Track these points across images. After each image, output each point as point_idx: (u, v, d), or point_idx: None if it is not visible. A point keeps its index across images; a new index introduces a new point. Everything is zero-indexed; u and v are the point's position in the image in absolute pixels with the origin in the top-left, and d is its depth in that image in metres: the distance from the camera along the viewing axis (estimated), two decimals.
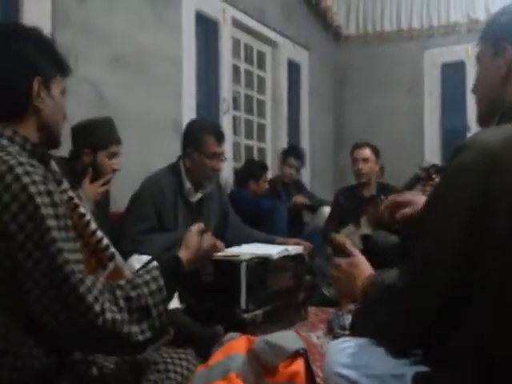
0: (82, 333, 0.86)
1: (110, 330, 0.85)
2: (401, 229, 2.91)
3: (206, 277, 1.91)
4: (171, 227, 2.18)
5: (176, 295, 1.72)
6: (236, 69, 3.90)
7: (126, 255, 1.69)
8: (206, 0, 3.40)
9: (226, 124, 3.50)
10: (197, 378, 1.07)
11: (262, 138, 4.31)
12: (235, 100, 3.91)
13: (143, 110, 2.83)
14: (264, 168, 3.54)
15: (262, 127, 4.30)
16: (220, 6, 3.56)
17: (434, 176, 2.79)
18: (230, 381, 1.06)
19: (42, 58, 0.98)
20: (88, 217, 1.01)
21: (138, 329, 0.89)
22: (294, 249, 2.25)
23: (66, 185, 0.99)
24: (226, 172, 3.52)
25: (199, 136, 2.26)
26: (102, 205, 2.09)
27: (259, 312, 1.93)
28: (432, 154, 4.65)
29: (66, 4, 2.40)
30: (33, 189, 0.83)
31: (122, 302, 0.88)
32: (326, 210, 3.43)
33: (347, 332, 1.96)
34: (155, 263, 1.04)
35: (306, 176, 4.34)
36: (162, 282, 0.96)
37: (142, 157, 2.77)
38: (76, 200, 1.00)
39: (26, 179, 0.83)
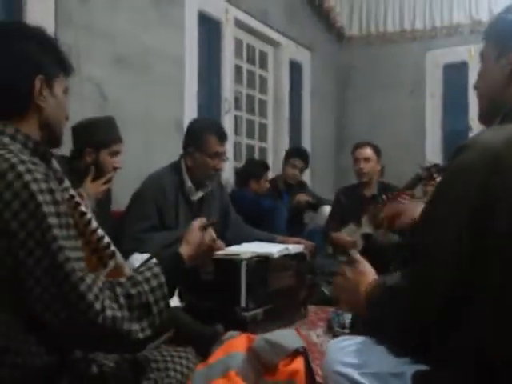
0: (83, 331, 0.86)
1: (111, 327, 0.85)
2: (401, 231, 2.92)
3: (206, 275, 1.91)
4: (172, 226, 2.18)
5: (176, 293, 1.73)
6: (238, 69, 3.91)
7: (126, 254, 1.69)
8: (208, 0, 3.41)
9: (227, 124, 3.50)
10: (197, 377, 1.07)
11: (263, 137, 4.31)
12: (237, 100, 3.91)
13: (145, 109, 2.84)
14: (265, 167, 3.54)
15: (263, 127, 4.31)
16: (223, 6, 3.56)
17: (435, 175, 2.79)
18: (230, 379, 1.07)
19: (45, 57, 0.99)
20: (89, 215, 1.01)
21: (139, 326, 0.89)
22: (294, 247, 2.25)
23: (67, 183, 1.00)
24: (227, 171, 3.52)
25: (201, 135, 2.26)
26: (103, 203, 2.10)
27: (259, 311, 1.93)
28: (434, 154, 4.65)
29: (69, 4, 2.41)
30: (34, 187, 0.84)
31: (122, 300, 0.88)
32: (327, 209, 3.43)
33: (347, 331, 1.96)
34: (154, 259, 1.04)
35: (307, 176, 4.34)
36: (162, 278, 0.96)
37: (144, 156, 2.77)
38: (77, 198, 1.00)
39: (27, 177, 0.84)
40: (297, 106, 4.52)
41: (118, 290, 0.89)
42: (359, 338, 1.05)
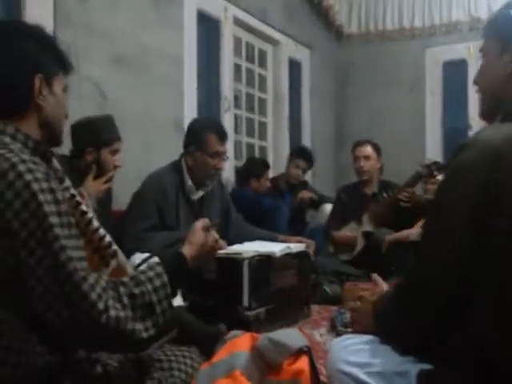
0: (86, 330, 0.85)
1: (114, 327, 0.84)
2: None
3: (208, 274, 1.91)
4: (173, 225, 2.18)
5: (179, 293, 1.72)
6: (237, 67, 3.90)
7: (128, 253, 1.68)
8: None
9: (227, 122, 3.49)
10: (201, 376, 1.07)
11: (263, 136, 4.31)
12: (236, 98, 3.90)
13: (144, 108, 2.83)
14: (265, 166, 3.54)
15: (263, 126, 4.30)
16: (222, 5, 3.55)
17: (435, 173, 2.80)
18: (235, 378, 1.06)
19: (44, 56, 0.98)
20: (90, 214, 1.01)
21: (142, 326, 0.89)
22: (296, 246, 2.24)
23: (67, 182, 0.99)
24: (228, 170, 3.52)
25: (201, 134, 2.26)
26: (104, 203, 2.09)
27: (262, 310, 1.92)
28: (433, 152, 4.64)
29: (68, 3, 2.40)
30: (35, 186, 0.83)
31: (125, 299, 0.88)
32: (328, 207, 3.43)
33: (350, 330, 1.95)
34: (156, 259, 1.03)
35: (307, 174, 4.34)
36: (165, 278, 0.95)
37: (144, 155, 2.77)
38: (78, 198, 1.00)
39: (28, 176, 0.83)
40: (296, 104, 4.52)
41: (122, 289, 0.89)
42: (363, 337, 1.05)
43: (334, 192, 3.49)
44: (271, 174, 3.71)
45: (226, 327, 1.71)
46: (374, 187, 3.15)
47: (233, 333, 1.57)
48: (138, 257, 1.75)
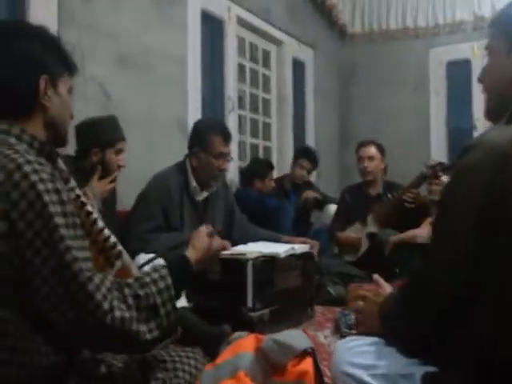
0: (91, 331, 0.85)
1: (119, 328, 0.85)
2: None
3: (212, 275, 1.91)
4: (177, 226, 2.18)
5: (183, 294, 1.73)
6: (241, 67, 3.90)
7: (132, 254, 1.68)
8: None
9: (231, 123, 3.49)
10: (205, 377, 1.07)
11: (267, 136, 4.31)
12: (240, 99, 3.90)
13: (148, 109, 2.83)
14: (270, 166, 3.53)
15: (267, 126, 4.30)
16: (225, 5, 3.55)
17: (440, 174, 2.78)
18: (239, 379, 1.06)
19: (49, 57, 0.98)
20: (95, 215, 1.01)
21: (146, 327, 0.89)
22: (300, 247, 2.24)
23: (72, 183, 1.00)
24: (232, 171, 3.52)
25: (206, 136, 2.26)
26: (108, 203, 2.10)
27: (266, 311, 1.92)
28: (438, 152, 4.63)
29: (72, 4, 2.40)
30: (41, 187, 0.83)
31: (130, 300, 0.88)
32: (332, 208, 3.42)
33: (354, 331, 1.95)
34: (161, 260, 1.03)
35: (311, 174, 4.34)
36: (169, 280, 0.96)
37: (148, 156, 2.77)
38: (83, 198, 1.00)
39: (34, 177, 0.83)
40: (300, 104, 4.51)
41: (127, 290, 0.89)
42: (367, 339, 1.05)
43: (339, 192, 3.49)
44: (275, 174, 3.70)
45: (230, 328, 1.71)
46: (378, 188, 3.14)
47: (237, 334, 1.57)
48: (143, 257, 1.76)
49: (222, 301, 1.88)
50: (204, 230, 1.16)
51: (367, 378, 0.98)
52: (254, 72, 4.10)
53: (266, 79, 4.27)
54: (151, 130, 2.85)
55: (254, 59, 4.09)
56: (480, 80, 1.05)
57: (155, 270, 0.97)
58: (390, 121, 4.77)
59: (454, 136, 4.71)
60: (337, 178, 4.89)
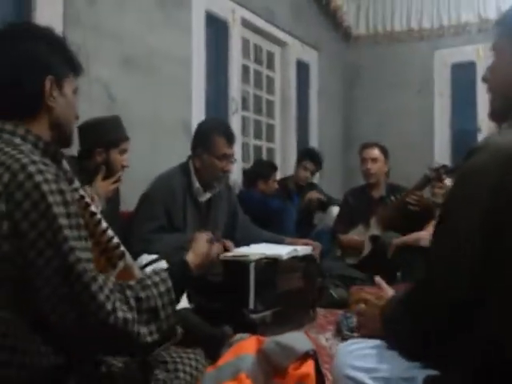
0: (93, 332, 0.85)
1: (121, 328, 0.85)
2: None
3: (215, 277, 1.91)
4: (180, 227, 2.18)
5: (185, 295, 1.73)
6: (245, 69, 3.90)
7: (135, 255, 1.69)
8: (215, 0, 3.41)
9: (234, 124, 3.49)
10: (207, 379, 1.07)
11: (270, 138, 4.31)
12: (244, 100, 3.90)
13: (153, 110, 2.84)
14: (273, 168, 3.53)
15: (270, 127, 4.30)
16: (230, 6, 3.56)
17: (443, 177, 2.77)
18: (240, 381, 1.06)
19: (55, 58, 0.99)
20: (99, 215, 1.01)
21: (147, 330, 0.89)
22: (302, 249, 2.24)
23: (76, 183, 1.00)
24: (235, 172, 3.52)
25: (209, 137, 2.25)
26: (112, 204, 2.10)
27: (268, 313, 1.92)
28: (442, 154, 4.62)
29: (77, 6, 2.41)
30: (45, 187, 0.83)
31: (132, 302, 0.88)
32: (336, 210, 3.42)
33: (355, 334, 1.95)
34: (163, 262, 1.04)
35: (315, 176, 4.33)
36: (170, 284, 0.96)
37: (152, 157, 2.77)
38: (87, 199, 1.00)
39: (38, 178, 0.84)
40: (304, 106, 4.51)
41: (128, 292, 0.89)
42: (369, 342, 1.05)
43: (342, 194, 3.48)
44: (278, 176, 3.71)
45: (232, 330, 1.71)
46: (381, 190, 3.13)
47: (239, 335, 1.57)
48: (145, 258, 1.76)
49: (223, 302, 1.88)
50: (204, 235, 1.17)
51: (369, 381, 0.98)
52: (258, 73, 4.11)
53: (270, 81, 4.27)
54: (155, 131, 2.86)
55: (258, 61, 4.10)
56: (485, 80, 1.04)
57: (156, 273, 0.98)
58: (394, 123, 4.76)
59: (458, 138, 4.70)
60: (340, 180, 4.89)
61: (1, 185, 0.83)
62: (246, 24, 3.76)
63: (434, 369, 0.92)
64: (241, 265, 1.91)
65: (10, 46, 0.96)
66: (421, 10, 4.74)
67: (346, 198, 3.28)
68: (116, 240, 1.02)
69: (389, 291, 1.14)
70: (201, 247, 1.13)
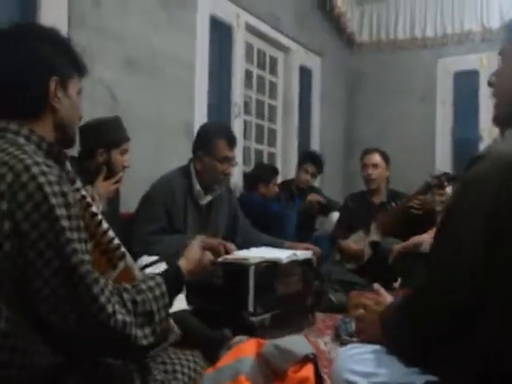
0: (93, 333, 0.85)
1: (121, 331, 0.85)
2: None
3: (214, 279, 1.91)
4: (181, 229, 2.18)
5: (184, 297, 1.73)
6: (248, 73, 3.91)
7: (135, 256, 1.69)
8: (220, 4, 3.42)
9: (236, 128, 3.50)
10: (206, 380, 1.07)
11: (272, 143, 4.31)
12: (246, 104, 3.91)
13: (155, 112, 2.85)
14: (274, 171, 3.54)
15: (272, 132, 4.31)
16: (234, 11, 3.57)
17: (445, 184, 2.78)
18: None
19: (59, 58, 0.99)
20: (100, 216, 1.01)
21: (142, 333, 0.89)
22: (302, 253, 2.24)
23: (78, 184, 1.00)
24: (236, 175, 3.52)
25: (211, 139, 2.26)
26: (112, 204, 2.10)
27: (267, 316, 1.92)
28: (443, 162, 4.62)
29: (82, 7, 2.43)
30: (48, 189, 0.84)
31: (129, 305, 0.89)
32: (335, 215, 3.42)
33: (354, 339, 1.94)
34: (163, 264, 1.04)
35: (316, 181, 4.34)
36: (164, 288, 0.97)
37: (154, 158, 2.78)
38: (88, 199, 1.00)
39: (41, 179, 0.84)
40: (306, 112, 4.52)
41: (125, 295, 0.90)
42: (368, 347, 1.05)
43: (342, 199, 3.48)
44: (279, 180, 3.71)
45: (231, 332, 1.71)
46: (382, 196, 3.13)
47: (238, 338, 1.57)
48: (146, 259, 1.76)
49: (223, 305, 1.88)
50: (198, 241, 1.17)
51: None
52: (260, 78, 4.12)
53: (273, 86, 4.28)
54: (157, 132, 2.87)
55: (261, 66, 4.11)
56: (490, 84, 1.04)
57: (151, 277, 0.99)
58: (396, 130, 4.77)
59: (460, 146, 4.70)
60: (340, 185, 4.89)
61: (4, 184, 0.83)
62: (250, 29, 3.78)
63: (432, 374, 0.92)
64: (241, 268, 1.91)
65: (14, 47, 0.96)
66: (424, 18, 4.76)
67: (346, 204, 3.28)
68: (117, 241, 1.03)
69: (387, 298, 1.14)
70: (193, 253, 1.14)
